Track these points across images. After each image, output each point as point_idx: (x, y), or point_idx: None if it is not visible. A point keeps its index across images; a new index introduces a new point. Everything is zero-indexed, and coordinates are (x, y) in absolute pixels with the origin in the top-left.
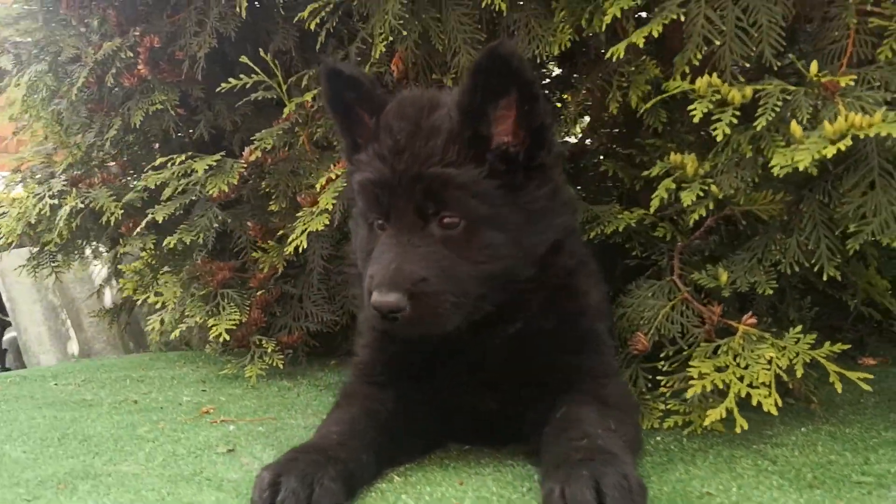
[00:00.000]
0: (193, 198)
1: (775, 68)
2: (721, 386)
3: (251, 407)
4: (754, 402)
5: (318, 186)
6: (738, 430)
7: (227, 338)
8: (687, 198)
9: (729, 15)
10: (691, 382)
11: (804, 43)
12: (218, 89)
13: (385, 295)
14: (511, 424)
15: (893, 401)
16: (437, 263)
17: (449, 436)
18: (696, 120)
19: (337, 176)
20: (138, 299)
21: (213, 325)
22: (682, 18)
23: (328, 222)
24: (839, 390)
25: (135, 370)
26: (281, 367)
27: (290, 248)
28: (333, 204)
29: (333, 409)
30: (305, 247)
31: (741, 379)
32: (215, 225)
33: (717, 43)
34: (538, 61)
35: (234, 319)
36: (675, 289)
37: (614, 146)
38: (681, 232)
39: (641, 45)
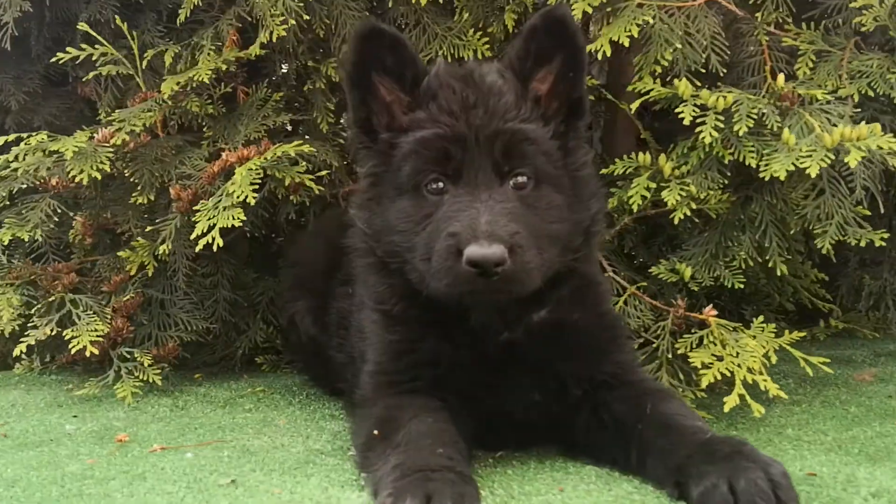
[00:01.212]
0: (23, 185)
1: (721, 75)
2: (728, 374)
3: (171, 431)
4: (762, 388)
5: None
6: (756, 414)
7: (96, 352)
8: (669, 197)
9: (678, 20)
10: (702, 372)
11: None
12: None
13: (488, 247)
14: (548, 424)
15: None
16: (522, 219)
17: (480, 441)
18: (686, 122)
19: (240, 161)
20: None
21: (71, 338)
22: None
23: (244, 216)
24: (810, 373)
25: None
26: (159, 383)
27: (200, 246)
28: (255, 196)
29: (394, 424)
30: (221, 244)
31: (740, 367)
32: (55, 219)
33: (678, 45)
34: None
35: (99, 330)
36: (617, 286)
37: None
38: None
39: None
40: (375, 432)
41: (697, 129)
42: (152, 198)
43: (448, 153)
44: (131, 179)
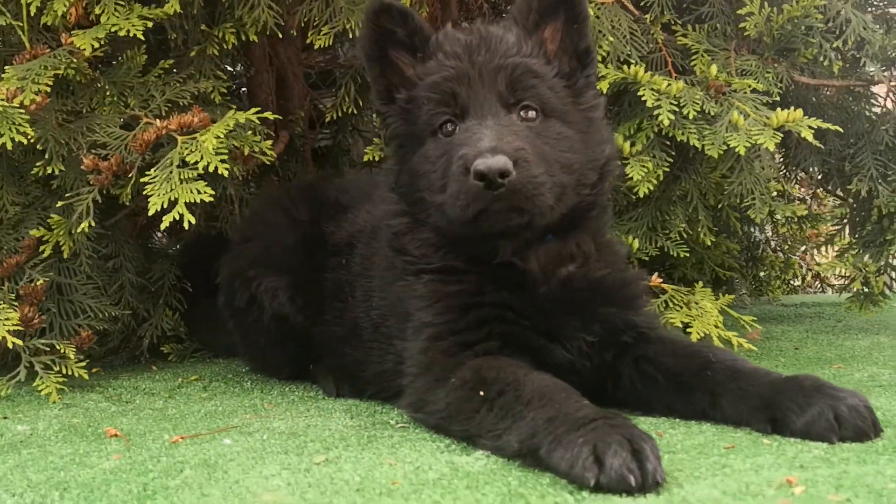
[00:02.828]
0: None
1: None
2: (707, 332)
3: (155, 424)
4: (735, 345)
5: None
6: None
7: (20, 343)
8: (635, 172)
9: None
10: (688, 331)
11: None
12: None
13: (492, 158)
14: (598, 378)
15: None
16: (529, 141)
17: None
18: (649, 104)
19: (182, 128)
20: None
21: None
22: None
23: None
24: (749, 330)
25: None
26: (85, 377)
27: (166, 223)
28: (226, 166)
29: (502, 382)
30: (194, 221)
31: (716, 326)
32: None
33: (611, 38)
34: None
35: (13, 319)
36: None
37: None
38: None
39: None
40: (482, 393)
41: (656, 112)
42: (62, 168)
43: (455, 92)
44: (37, 147)
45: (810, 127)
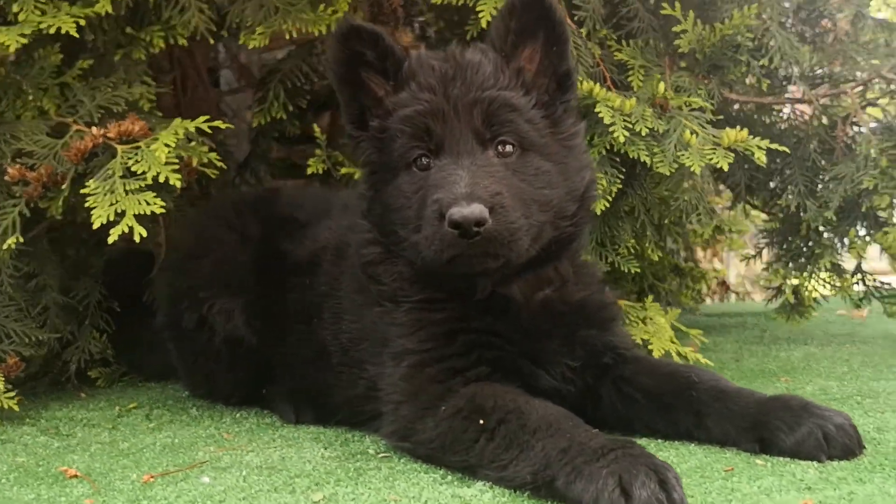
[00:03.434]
0: None
1: None
2: (667, 349)
3: (110, 461)
4: (692, 361)
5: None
6: None
7: None
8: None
9: None
10: (649, 348)
11: None
12: None
13: (467, 206)
14: (580, 400)
15: None
16: (506, 182)
17: None
18: (606, 121)
19: (121, 137)
20: None
21: None
22: None
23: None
24: (699, 344)
25: None
26: (16, 409)
27: (115, 236)
28: (178, 177)
29: (503, 410)
30: (145, 234)
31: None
32: None
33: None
34: None
35: None
36: None
37: None
38: None
39: None
40: (481, 422)
41: (612, 129)
42: None
43: (429, 127)
44: None
45: (759, 147)
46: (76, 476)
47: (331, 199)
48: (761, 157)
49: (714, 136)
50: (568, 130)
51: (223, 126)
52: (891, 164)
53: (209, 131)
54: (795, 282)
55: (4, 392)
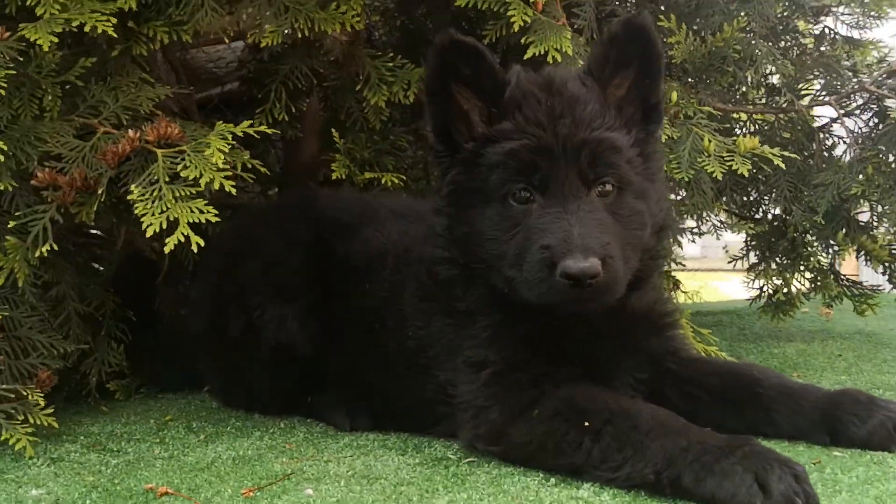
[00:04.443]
0: None
1: None
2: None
3: (181, 476)
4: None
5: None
6: None
7: None
8: None
9: None
10: None
11: None
12: None
13: (584, 261)
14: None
15: None
16: (610, 229)
17: None
18: None
19: (160, 140)
20: None
21: None
22: None
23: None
24: (712, 342)
25: None
26: (55, 426)
27: (171, 245)
28: (231, 183)
29: (607, 412)
30: (203, 244)
31: None
32: None
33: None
34: None
35: None
36: None
37: None
38: None
39: None
40: (586, 423)
41: None
42: (14, 184)
43: (536, 164)
44: None
45: (774, 154)
46: (168, 493)
47: (369, 202)
48: (779, 163)
49: (725, 143)
50: (656, 166)
51: (269, 131)
52: (875, 172)
53: (257, 136)
54: (779, 282)
55: (42, 408)
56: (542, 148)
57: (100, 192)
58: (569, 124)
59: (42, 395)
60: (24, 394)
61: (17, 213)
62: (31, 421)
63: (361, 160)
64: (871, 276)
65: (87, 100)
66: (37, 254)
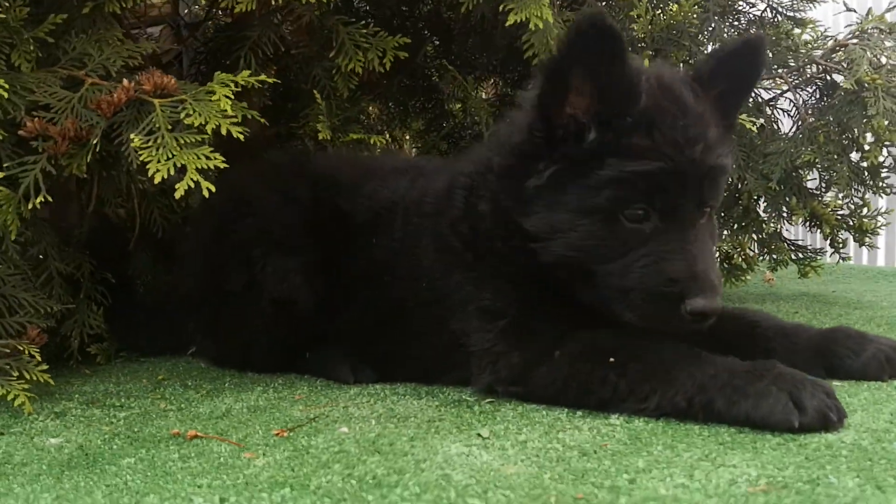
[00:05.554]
0: None
1: None
2: None
3: (212, 421)
4: None
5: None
6: None
7: None
8: None
9: None
10: None
11: None
12: None
13: (714, 301)
14: None
15: None
16: (713, 257)
17: None
18: None
19: (156, 90)
20: None
21: None
22: None
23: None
24: None
25: None
26: (51, 382)
27: (181, 192)
28: (239, 129)
29: (631, 349)
30: (213, 189)
31: None
32: None
33: None
34: None
35: None
36: None
37: None
38: None
39: None
40: (611, 359)
41: None
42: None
43: (665, 188)
44: None
45: (752, 122)
46: (199, 436)
47: (363, 160)
48: (753, 129)
49: None
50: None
51: (271, 81)
52: (826, 141)
53: (259, 85)
54: (727, 248)
55: (36, 364)
56: (678, 174)
57: (94, 142)
58: (702, 150)
59: (37, 349)
60: (21, 349)
61: (6, 166)
62: (27, 377)
63: (332, 127)
64: (812, 242)
65: (68, 52)
66: (30, 206)
